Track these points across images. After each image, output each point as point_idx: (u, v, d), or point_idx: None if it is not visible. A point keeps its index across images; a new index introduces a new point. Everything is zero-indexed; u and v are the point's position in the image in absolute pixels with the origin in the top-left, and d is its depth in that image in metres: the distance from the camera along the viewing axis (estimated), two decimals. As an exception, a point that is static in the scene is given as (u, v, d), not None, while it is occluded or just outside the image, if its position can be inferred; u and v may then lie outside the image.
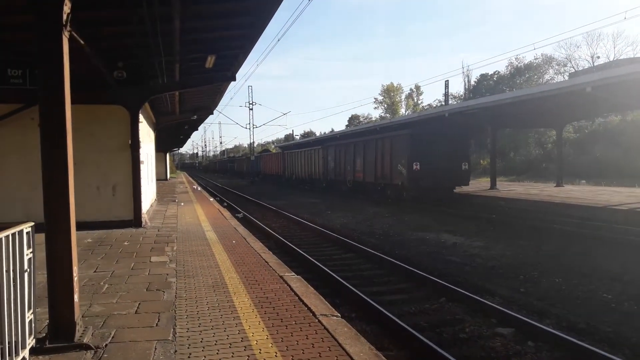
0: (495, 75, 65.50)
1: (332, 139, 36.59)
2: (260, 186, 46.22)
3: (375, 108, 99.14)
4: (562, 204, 18.46)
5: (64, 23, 4.60)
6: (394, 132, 25.98)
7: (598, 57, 54.59)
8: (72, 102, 4.79)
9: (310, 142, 44.24)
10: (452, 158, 23.24)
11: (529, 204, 19.66)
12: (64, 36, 4.63)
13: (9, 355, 3.78)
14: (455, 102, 60.48)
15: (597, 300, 7.96)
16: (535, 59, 61.23)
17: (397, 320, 6.61)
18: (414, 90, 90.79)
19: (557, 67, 60.43)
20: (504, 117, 25.89)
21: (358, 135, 31.32)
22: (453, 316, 7.27)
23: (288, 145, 57.86)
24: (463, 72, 72.41)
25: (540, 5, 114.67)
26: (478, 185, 31.63)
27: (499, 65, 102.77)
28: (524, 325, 6.56)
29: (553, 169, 36.23)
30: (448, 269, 10.26)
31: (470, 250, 12.24)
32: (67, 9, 4.62)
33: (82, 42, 8.57)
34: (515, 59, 61.65)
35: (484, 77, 67.43)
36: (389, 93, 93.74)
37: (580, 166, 39.99)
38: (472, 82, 70.73)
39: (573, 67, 55.89)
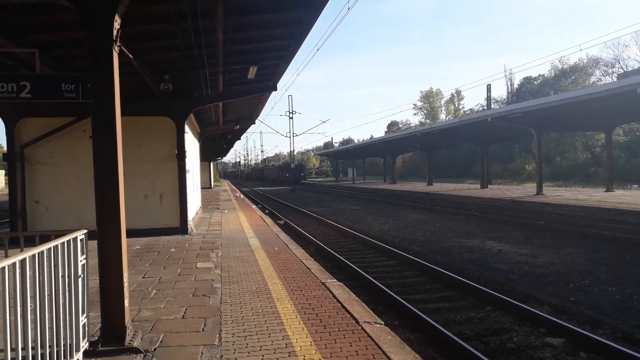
0: (540, 78, 63.77)
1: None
2: (302, 193, 46.62)
3: (415, 114, 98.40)
4: (613, 209, 17.71)
5: (115, 38, 4.78)
6: (283, 164, 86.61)
7: (649, 57, 52.37)
8: (122, 114, 4.97)
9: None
10: (297, 173, 67.58)
11: (577, 210, 18.96)
12: (114, 51, 4.81)
13: (64, 357, 3.94)
14: (497, 107, 59.15)
15: (654, 311, 7.59)
16: (579, 60, 59.45)
17: (441, 328, 6.52)
18: (455, 95, 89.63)
19: (604, 68, 58.38)
20: (549, 120, 25.13)
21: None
22: (500, 325, 7.08)
23: (327, 152, 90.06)
24: (505, 76, 70.97)
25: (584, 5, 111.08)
26: (523, 191, 30.76)
27: (542, 68, 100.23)
28: (575, 335, 6.31)
29: (602, 174, 34.93)
30: (494, 276, 10.03)
31: (517, 257, 11.91)
32: (117, 24, 4.81)
33: (130, 56, 8.89)
34: (559, 61, 60.00)
35: (527, 80, 65.82)
36: (429, 98, 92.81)
37: (632, 170, 38.45)
38: (515, 86, 69.20)
39: (622, 68, 53.74)
